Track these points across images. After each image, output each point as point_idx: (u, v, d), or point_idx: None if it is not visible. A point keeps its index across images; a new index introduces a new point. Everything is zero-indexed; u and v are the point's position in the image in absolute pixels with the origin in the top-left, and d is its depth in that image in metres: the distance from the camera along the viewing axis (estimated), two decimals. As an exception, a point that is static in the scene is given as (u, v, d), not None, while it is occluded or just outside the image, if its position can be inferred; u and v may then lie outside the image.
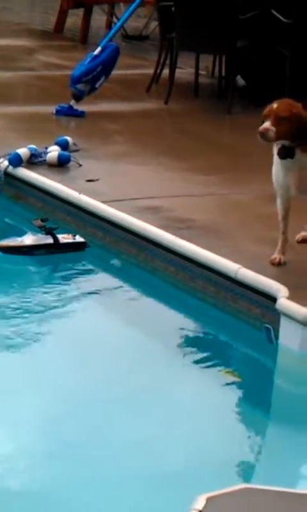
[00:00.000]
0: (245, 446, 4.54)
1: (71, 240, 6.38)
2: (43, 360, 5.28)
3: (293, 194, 5.48)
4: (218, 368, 5.22)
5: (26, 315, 5.64)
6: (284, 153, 5.31)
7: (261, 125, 5.13)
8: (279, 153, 5.32)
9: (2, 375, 4.91)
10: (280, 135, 5.15)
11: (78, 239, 6.41)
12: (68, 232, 6.46)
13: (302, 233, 5.81)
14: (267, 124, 5.14)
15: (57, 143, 7.37)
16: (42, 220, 6.36)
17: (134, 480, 4.09)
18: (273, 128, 5.12)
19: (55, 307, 5.85)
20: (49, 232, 6.26)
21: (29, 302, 5.86)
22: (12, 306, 5.74)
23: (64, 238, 6.34)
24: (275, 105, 5.24)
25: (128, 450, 4.35)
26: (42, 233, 6.32)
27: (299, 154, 5.26)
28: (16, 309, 5.72)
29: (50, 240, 6.25)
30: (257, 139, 5.20)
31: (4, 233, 6.75)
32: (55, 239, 6.26)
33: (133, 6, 9.96)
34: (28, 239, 6.33)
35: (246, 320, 5.37)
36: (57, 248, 6.32)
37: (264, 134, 5.14)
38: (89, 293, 6.19)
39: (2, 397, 4.64)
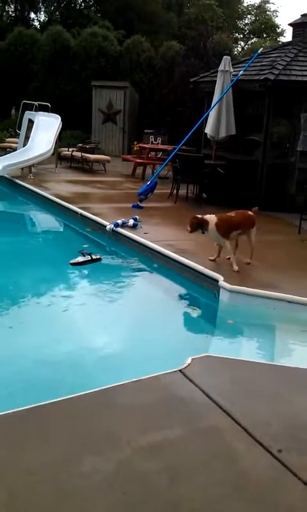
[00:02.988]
0: (204, 337, 5.11)
1: (96, 257, 6.50)
2: (115, 304, 5.67)
3: (218, 242, 6.16)
4: (192, 307, 5.77)
5: (93, 290, 5.99)
6: (203, 232, 6.11)
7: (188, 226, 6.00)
8: (202, 232, 6.11)
9: (105, 312, 5.40)
10: (193, 229, 6.06)
11: (98, 256, 6.54)
12: (94, 254, 6.58)
13: (230, 256, 6.21)
14: (188, 227, 6.07)
15: (132, 218, 7.88)
16: (84, 250, 6.59)
17: (147, 344, 4.60)
18: (189, 229, 6.05)
19: (103, 285, 6.12)
20: (89, 254, 6.49)
21: (93, 284, 6.19)
22: (86, 287, 6.14)
23: (94, 256, 6.51)
24: (192, 219, 6.07)
25: (145, 332, 4.89)
26: (82, 256, 6.46)
27: (208, 230, 6.02)
28: (89, 288, 6.12)
29: (89, 258, 6.45)
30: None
31: (110, 255, 7.22)
32: (91, 257, 6.47)
33: (161, 167, 11.07)
34: (80, 258, 6.44)
35: (206, 289, 5.77)
36: (92, 261, 6.45)
37: (189, 231, 6.07)
38: (130, 277, 6.51)
39: (105, 319, 5.19)
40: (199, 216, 6.16)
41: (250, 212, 6.35)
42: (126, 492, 2.44)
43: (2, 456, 2.67)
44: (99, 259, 6.51)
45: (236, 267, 6.01)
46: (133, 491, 2.45)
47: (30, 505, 2.36)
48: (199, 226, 6.02)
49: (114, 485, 2.48)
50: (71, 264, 6.31)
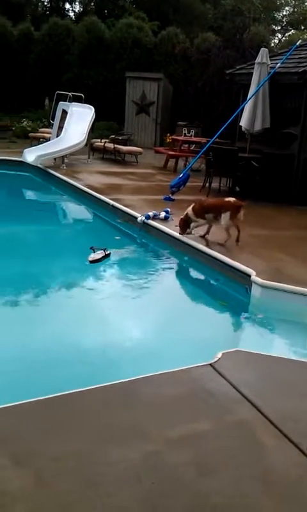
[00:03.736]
0: (234, 331, 5.14)
1: (108, 252, 6.44)
2: (145, 296, 5.71)
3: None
4: (222, 301, 5.72)
5: (123, 282, 6.02)
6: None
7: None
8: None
9: (135, 304, 5.42)
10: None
11: (109, 251, 6.47)
12: (102, 249, 6.47)
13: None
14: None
15: (164, 210, 7.95)
16: (94, 247, 6.48)
17: (177, 338, 4.56)
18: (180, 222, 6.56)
19: (133, 277, 6.10)
20: (103, 249, 6.41)
21: (109, 276, 6.19)
22: (115, 279, 6.20)
23: (106, 252, 6.45)
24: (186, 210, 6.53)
25: (175, 325, 4.87)
26: (92, 251, 6.35)
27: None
28: (118, 280, 6.14)
29: (103, 253, 6.37)
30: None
31: (141, 247, 7.39)
32: (105, 252, 6.41)
33: (194, 159, 10.81)
34: (96, 255, 6.33)
35: (239, 283, 5.74)
36: (106, 256, 6.39)
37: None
38: (161, 270, 6.50)
39: (135, 312, 5.21)
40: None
41: (228, 199, 6.74)
42: (155, 482, 2.46)
43: (31, 441, 2.71)
44: (109, 254, 6.48)
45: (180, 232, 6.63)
46: (161, 482, 2.47)
47: (56, 490, 2.38)
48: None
49: (142, 475, 2.49)
50: (90, 262, 6.23)
